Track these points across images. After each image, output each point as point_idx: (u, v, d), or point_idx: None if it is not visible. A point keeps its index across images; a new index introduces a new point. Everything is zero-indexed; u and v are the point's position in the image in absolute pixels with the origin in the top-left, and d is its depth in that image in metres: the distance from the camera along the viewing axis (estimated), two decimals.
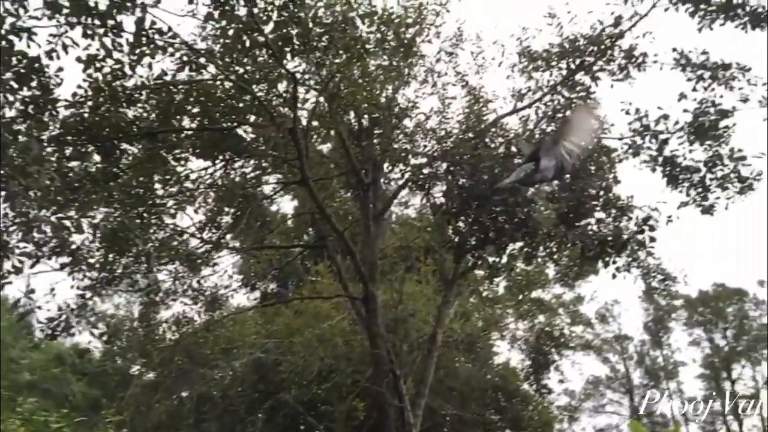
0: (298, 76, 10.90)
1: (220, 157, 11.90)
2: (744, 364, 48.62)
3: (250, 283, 21.09)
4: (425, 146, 12.85)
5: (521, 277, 22.61)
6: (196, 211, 12.97)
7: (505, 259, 11.53)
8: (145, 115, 10.57)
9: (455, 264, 14.00)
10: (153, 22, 9.06)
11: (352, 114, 13.75)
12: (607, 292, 54.90)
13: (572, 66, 12.64)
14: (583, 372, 43.74)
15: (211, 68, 10.62)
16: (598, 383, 48.98)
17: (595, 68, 12.59)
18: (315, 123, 13.30)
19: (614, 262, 11.05)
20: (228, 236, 14.09)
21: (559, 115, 12.28)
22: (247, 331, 19.51)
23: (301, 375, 19.73)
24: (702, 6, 11.51)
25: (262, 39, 9.79)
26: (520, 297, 24.20)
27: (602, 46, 12.33)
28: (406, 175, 13.15)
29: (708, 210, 11.78)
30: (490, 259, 12.17)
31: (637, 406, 49.13)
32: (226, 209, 13.55)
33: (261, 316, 22.30)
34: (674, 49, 11.76)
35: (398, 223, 22.49)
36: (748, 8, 11.18)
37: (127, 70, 9.61)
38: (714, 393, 48.80)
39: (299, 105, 12.93)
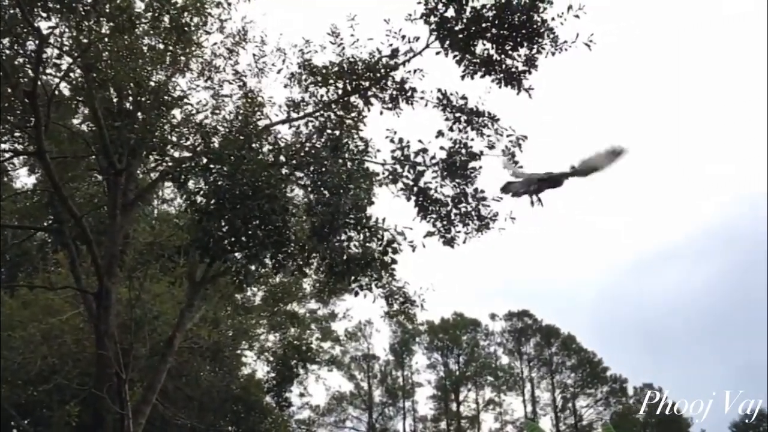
0: (51, 38, 9.71)
1: None
2: (470, 388, 53.84)
3: None
4: (189, 139, 12.22)
5: (278, 288, 22.58)
6: None
7: (254, 267, 11.27)
8: None
9: (208, 267, 13.45)
10: None
11: (113, 91, 12.63)
12: (363, 311, 57.40)
13: (348, 87, 12.94)
14: (330, 387, 44.99)
15: None
16: (341, 399, 50.68)
17: (369, 93, 13.03)
18: (67, 93, 11.98)
19: (358, 281, 11.41)
20: None
21: (329, 131, 12.47)
22: None
23: (17, 374, 17.57)
24: (467, 56, 12.53)
25: None
26: (275, 309, 24.14)
27: (378, 74, 12.80)
28: (163, 166, 12.35)
29: (449, 242, 12.68)
30: (247, 265, 11.86)
31: (375, 423, 51.72)
32: None
33: None
34: (439, 90, 12.62)
35: (157, 219, 21.20)
36: (504, 66, 12.42)
37: None
38: (442, 413, 53.26)
39: (51, 71, 11.60)
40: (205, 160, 10.91)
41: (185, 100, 12.69)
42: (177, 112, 13.09)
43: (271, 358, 24.02)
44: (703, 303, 73.48)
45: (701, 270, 78.53)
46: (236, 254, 11.23)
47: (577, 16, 11.59)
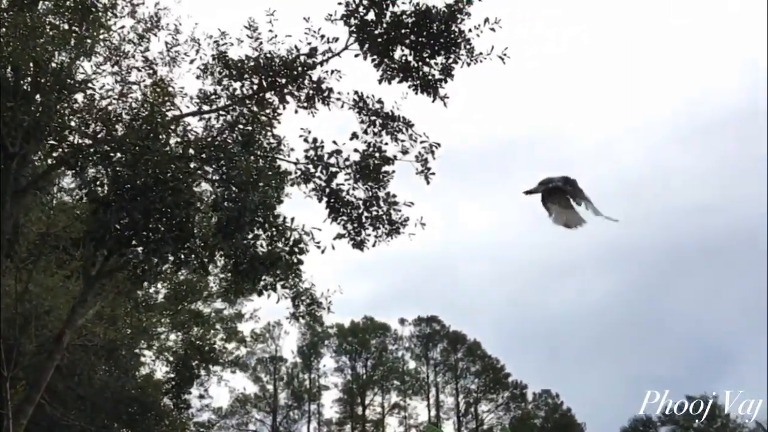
0: None
1: None
2: (376, 392, 54.12)
3: None
4: (90, 125, 11.58)
5: (182, 286, 21.87)
6: None
7: (154, 262, 10.79)
8: None
9: (105, 260, 12.82)
10: None
11: (9, 70, 11.80)
12: (272, 312, 56.51)
13: (264, 83, 12.68)
14: (234, 389, 43.99)
15: None
16: (245, 401, 49.70)
17: (285, 91, 12.81)
18: None
19: (263, 280, 11.17)
20: None
21: (241, 126, 12.18)
22: None
23: None
24: (386, 61, 12.56)
25: None
26: (179, 307, 23.35)
27: (295, 72, 12.61)
28: (58, 152, 11.63)
29: (359, 245, 12.66)
30: (147, 260, 11.34)
31: (279, 426, 51.04)
32: None
33: None
34: (355, 92, 12.58)
35: (54, 208, 20.04)
36: (421, 73, 12.53)
37: None
38: (347, 417, 53.24)
39: None
40: (106, 148, 10.37)
41: (89, 85, 12.02)
42: (79, 97, 12.39)
43: (171, 358, 23.20)
44: (599, 314, 77.03)
45: (599, 283, 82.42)
46: (137, 248, 10.73)
47: (492, 30, 11.86)
